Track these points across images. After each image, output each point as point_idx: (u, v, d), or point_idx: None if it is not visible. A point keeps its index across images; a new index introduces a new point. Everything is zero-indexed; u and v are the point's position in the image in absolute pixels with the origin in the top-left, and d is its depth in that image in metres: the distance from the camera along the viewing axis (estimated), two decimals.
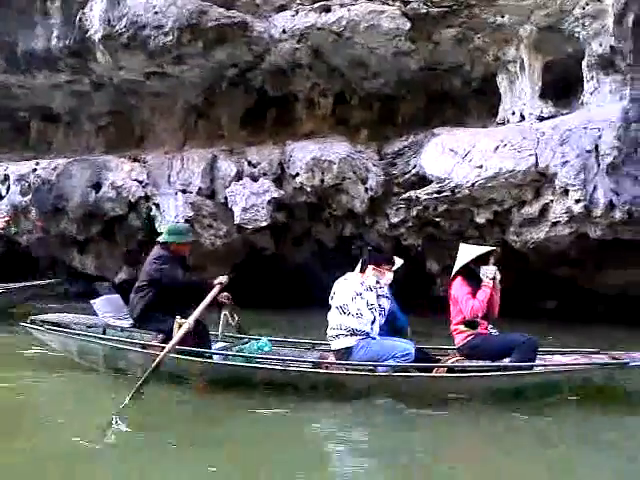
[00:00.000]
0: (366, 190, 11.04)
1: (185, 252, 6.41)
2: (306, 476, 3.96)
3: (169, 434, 4.63)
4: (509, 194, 10.13)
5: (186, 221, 11.21)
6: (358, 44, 10.59)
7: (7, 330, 8.27)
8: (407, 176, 10.94)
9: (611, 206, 9.35)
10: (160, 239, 6.37)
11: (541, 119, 10.29)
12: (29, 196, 11.70)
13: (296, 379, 5.52)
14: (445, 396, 5.38)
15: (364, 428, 4.97)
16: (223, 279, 5.96)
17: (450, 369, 5.72)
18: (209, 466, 3.99)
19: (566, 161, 9.47)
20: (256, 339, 6.35)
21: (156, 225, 11.34)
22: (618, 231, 9.71)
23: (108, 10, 10.65)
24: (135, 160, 11.96)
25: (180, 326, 5.58)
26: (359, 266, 5.97)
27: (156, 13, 10.46)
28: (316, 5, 10.41)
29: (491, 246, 6.56)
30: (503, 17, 10.14)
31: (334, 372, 5.62)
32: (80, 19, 10.93)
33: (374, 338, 5.63)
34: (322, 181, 11.03)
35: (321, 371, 5.64)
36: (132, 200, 11.42)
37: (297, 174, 11.11)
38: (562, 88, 10.53)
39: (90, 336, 6.28)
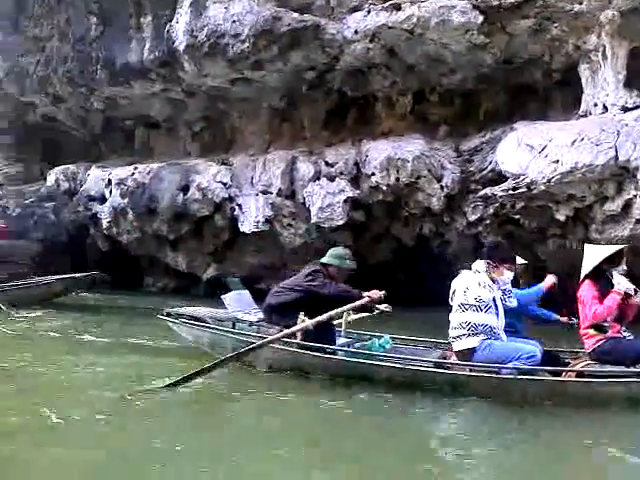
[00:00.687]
0: (442, 188, 10.93)
1: (342, 279, 6.15)
2: None
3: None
4: (589, 189, 9.65)
5: (266, 220, 11.67)
6: (431, 40, 10.52)
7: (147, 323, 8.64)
8: (484, 173, 10.71)
9: None
10: (323, 260, 6.21)
11: (625, 110, 9.74)
12: (127, 198, 12.63)
13: (417, 378, 5.44)
14: (574, 401, 5.04)
15: (489, 436, 4.64)
16: (375, 295, 5.83)
17: (580, 374, 5.36)
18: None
19: None
20: (378, 336, 6.33)
21: (239, 225, 11.85)
22: None
23: (191, 21, 11.30)
24: (223, 163, 12.55)
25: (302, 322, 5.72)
26: (476, 263, 5.67)
27: (234, 22, 10.96)
28: (387, 4, 10.44)
29: (619, 244, 6.20)
30: (581, 4, 9.68)
31: (456, 372, 5.45)
32: (168, 31, 11.65)
33: (498, 339, 5.43)
34: (397, 180, 11.04)
35: (443, 370, 5.49)
36: (217, 201, 12.01)
37: (373, 173, 11.19)
38: None
39: (221, 329, 6.50)
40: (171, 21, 11.67)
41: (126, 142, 15.34)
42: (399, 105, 12.03)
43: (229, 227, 12.21)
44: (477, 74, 11.14)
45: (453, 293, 5.58)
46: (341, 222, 11.25)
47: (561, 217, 10.14)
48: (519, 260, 6.07)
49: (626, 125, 9.33)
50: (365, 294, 5.79)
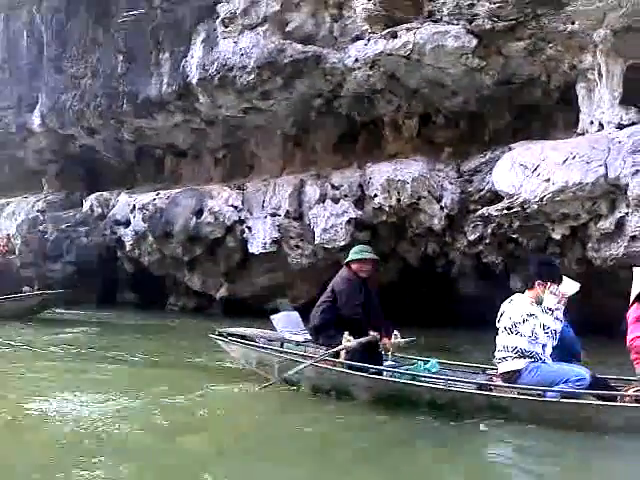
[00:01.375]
0: (441, 208, 11.11)
1: (365, 272, 6.40)
2: None
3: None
4: (582, 208, 9.65)
5: (274, 242, 12.09)
6: (428, 65, 10.79)
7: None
8: (482, 193, 10.84)
9: None
10: (346, 260, 6.55)
11: (621, 127, 9.71)
12: (147, 223, 13.32)
13: (459, 400, 5.38)
14: (627, 428, 4.81)
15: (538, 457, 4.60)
16: (385, 341, 6.16)
17: (632, 399, 5.11)
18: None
19: (637, 170, 8.89)
20: (425, 360, 6.36)
21: (249, 246, 12.32)
22: None
23: (203, 56, 12.01)
24: (239, 188, 13.09)
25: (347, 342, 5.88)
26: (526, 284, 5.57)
27: (242, 55, 11.57)
28: (385, 32, 10.79)
29: None
30: (574, 24, 9.77)
31: (498, 395, 5.36)
32: (183, 66, 12.37)
33: (545, 362, 5.30)
34: (399, 201, 11.29)
35: (484, 393, 5.42)
36: (228, 224, 12.54)
37: (375, 195, 11.48)
38: None
39: (267, 348, 6.68)
40: (186, 56, 12.39)
41: (157, 169, 16.13)
42: (406, 128, 12.28)
43: (240, 249, 12.70)
44: (479, 96, 11.31)
45: (501, 315, 5.49)
46: (344, 243, 11.53)
47: (557, 236, 10.14)
48: (571, 286, 5.52)
49: (618, 142, 9.30)
50: (371, 333, 6.04)
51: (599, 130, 9.99)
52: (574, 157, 9.51)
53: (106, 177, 17.07)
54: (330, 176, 12.12)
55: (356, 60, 11.10)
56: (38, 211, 16.54)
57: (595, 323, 9.86)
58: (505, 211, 10.23)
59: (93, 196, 15.74)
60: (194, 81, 12.19)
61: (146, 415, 5.29)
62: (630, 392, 5.16)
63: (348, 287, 6.28)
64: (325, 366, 5.91)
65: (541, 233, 10.31)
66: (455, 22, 10.34)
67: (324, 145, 12.95)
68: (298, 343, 6.72)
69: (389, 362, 6.37)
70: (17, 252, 16.13)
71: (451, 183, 11.09)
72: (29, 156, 17.64)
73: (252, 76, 11.46)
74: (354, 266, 6.37)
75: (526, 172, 10.00)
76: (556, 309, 5.29)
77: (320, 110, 12.36)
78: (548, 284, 5.32)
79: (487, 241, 10.92)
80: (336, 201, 11.73)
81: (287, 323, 7.14)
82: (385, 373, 5.95)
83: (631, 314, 5.38)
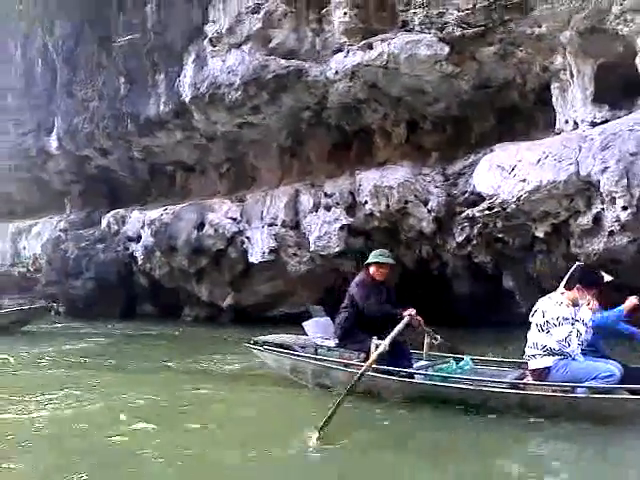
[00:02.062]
0: (429, 211, 11.37)
1: (382, 275, 6.61)
2: None
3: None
4: (560, 205, 9.82)
5: (272, 251, 12.56)
6: (405, 74, 11.07)
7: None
8: (466, 195, 11.06)
9: None
10: (366, 262, 6.80)
11: (594, 125, 9.83)
12: (154, 237, 13.95)
13: (490, 399, 5.43)
14: None
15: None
16: (412, 311, 6.17)
17: None
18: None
19: (606, 167, 9.02)
20: (459, 358, 6.43)
21: (249, 256, 12.82)
22: None
23: (194, 75, 12.56)
24: (240, 200, 13.60)
25: (377, 347, 5.93)
26: (563, 282, 5.68)
27: (229, 73, 12.07)
28: (361, 44, 11.12)
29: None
30: (541, 27, 9.94)
31: (527, 392, 5.41)
32: (177, 86, 12.92)
33: (574, 359, 5.34)
34: (387, 206, 11.61)
35: (514, 391, 5.46)
36: (228, 235, 13.06)
37: (366, 201, 11.82)
38: (626, 90, 9.95)
39: (300, 355, 6.84)
40: (179, 76, 12.95)
41: (170, 185, 16.76)
42: (395, 135, 12.58)
43: (242, 259, 13.21)
44: (460, 101, 11.54)
45: (535, 311, 5.57)
46: (337, 249, 11.93)
47: (540, 234, 10.32)
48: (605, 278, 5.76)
49: (589, 140, 9.44)
50: (405, 313, 6.10)
51: (574, 129, 10.13)
52: (547, 157, 9.69)
53: (124, 195, 17.77)
54: (323, 185, 12.51)
55: (336, 72, 11.46)
56: (61, 230, 17.37)
57: None
58: (487, 212, 10.47)
59: (110, 214, 16.44)
60: (187, 100, 12.75)
61: None
62: None
63: (363, 290, 6.50)
64: (355, 371, 5.93)
65: (525, 231, 10.49)
66: (427, 31, 10.61)
67: (318, 155, 13.34)
68: (330, 348, 6.86)
69: (423, 362, 6.52)
70: (42, 271, 17.10)
71: (437, 187, 11.35)
72: (53, 178, 18.51)
73: (239, 92, 11.95)
74: (372, 269, 6.63)
75: (504, 173, 10.23)
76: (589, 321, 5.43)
77: (310, 122, 12.76)
78: (589, 290, 5.49)
79: (475, 242, 11.14)
80: (328, 209, 12.12)
81: (319, 329, 7.27)
82: (418, 376, 6.03)
83: None
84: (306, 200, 12.47)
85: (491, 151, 10.81)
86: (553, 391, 5.27)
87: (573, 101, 10.17)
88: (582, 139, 9.56)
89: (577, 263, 6.33)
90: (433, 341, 6.50)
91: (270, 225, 12.65)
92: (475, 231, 11.00)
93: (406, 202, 11.48)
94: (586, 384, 5.14)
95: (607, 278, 5.68)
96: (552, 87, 10.45)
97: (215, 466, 4.48)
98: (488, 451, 4.65)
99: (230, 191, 14.86)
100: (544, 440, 4.84)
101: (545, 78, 10.53)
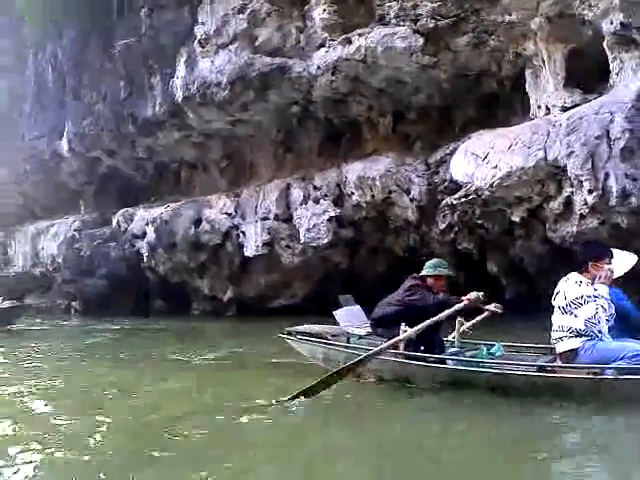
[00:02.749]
0: (411, 200, 11.63)
1: (441, 287, 6.30)
2: None
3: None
4: (532, 191, 10.00)
5: (265, 244, 12.97)
6: (384, 66, 11.33)
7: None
8: (446, 183, 11.28)
9: (626, 194, 8.82)
10: (421, 273, 6.43)
11: (565, 109, 9.97)
12: (156, 234, 14.48)
13: (518, 383, 5.37)
14: None
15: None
16: (472, 296, 5.91)
17: None
18: None
19: (572, 151, 9.19)
20: (490, 344, 6.37)
21: (244, 250, 13.26)
22: None
23: (186, 76, 13.01)
24: (237, 195, 14.04)
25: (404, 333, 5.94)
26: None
27: (217, 72, 12.49)
28: (340, 39, 11.41)
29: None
30: (511, 15, 10.13)
31: (555, 375, 5.35)
32: (171, 87, 13.40)
33: (602, 339, 5.24)
34: (373, 196, 11.91)
35: (541, 374, 5.41)
36: (223, 230, 13.51)
37: (352, 193, 12.14)
38: (599, 74, 10.06)
39: (332, 344, 6.85)
40: (173, 78, 13.42)
41: (176, 182, 17.30)
42: (381, 126, 12.87)
43: (238, 253, 13.63)
44: (441, 90, 11.76)
45: (557, 294, 5.45)
46: (327, 240, 12.27)
47: (516, 219, 10.51)
48: (629, 258, 5.52)
49: (557, 125, 9.60)
50: (463, 298, 5.88)
51: (547, 114, 10.28)
52: (517, 143, 9.88)
53: (134, 193, 18.35)
54: (313, 178, 12.85)
55: (318, 67, 11.79)
56: (75, 230, 18.02)
57: None
58: (463, 199, 10.70)
59: (120, 212, 17.03)
60: (180, 100, 13.21)
61: None
62: None
63: (419, 293, 6.17)
64: (386, 357, 5.99)
65: (502, 217, 10.70)
66: (402, 23, 10.86)
67: (310, 148, 13.69)
68: (360, 337, 6.86)
69: (455, 348, 6.45)
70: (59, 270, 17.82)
71: (418, 176, 11.60)
72: (67, 179, 19.21)
73: (227, 91, 12.37)
74: (429, 281, 6.27)
75: (478, 160, 10.44)
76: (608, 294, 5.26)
77: (299, 116, 13.11)
78: (601, 263, 5.31)
79: (456, 228, 11.38)
80: (317, 201, 12.46)
81: (349, 317, 7.25)
82: (449, 362, 5.98)
83: None
84: (297, 193, 12.83)
85: (468, 139, 11.03)
86: (579, 373, 5.17)
87: (545, 86, 10.33)
88: (551, 124, 9.73)
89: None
90: (464, 328, 6.42)
91: (263, 219, 13.05)
92: (456, 218, 11.22)
93: (390, 192, 11.77)
94: (614, 365, 5.03)
95: (629, 263, 5.45)
96: (526, 73, 10.62)
97: None
98: (515, 438, 4.52)
99: (230, 187, 15.29)
100: (575, 425, 4.75)
101: (519, 65, 10.71)
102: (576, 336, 5.22)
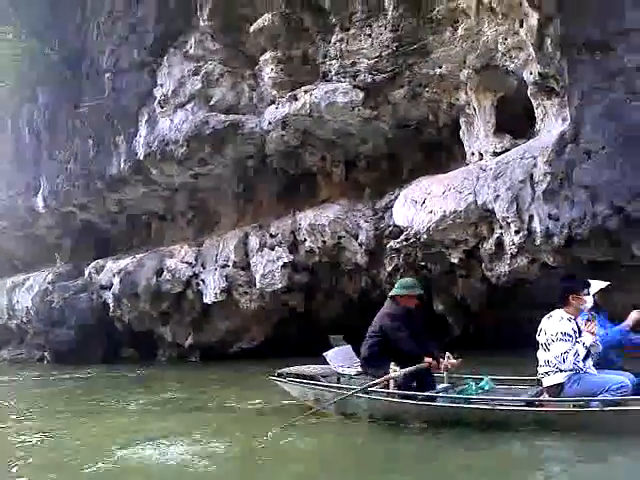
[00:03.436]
0: (360, 245, 12.14)
1: (413, 303, 6.77)
2: None
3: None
4: (467, 233, 10.51)
5: (223, 291, 13.41)
6: (329, 120, 11.99)
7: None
8: (390, 228, 11.82)
9: (549, 233, 9.31)
10: (391, 293, 6.90)
11: (496, 155, 10.57)
12: (121, 285, 14.94)
13: (506, 418, 5.56)
14: None
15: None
16: (433, 361, 6.41)
17: None
18: None
19: (497, 195, 9.74)
20: (478, 379, 6.56)
21: (204, 297, 13.70)
22: (575, 255, 9.53)
23: (147, 135, 13.66)
24: (199, 245, 14.55)
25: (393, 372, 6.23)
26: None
27: (175, 130, 13.15)
28: (287, 96, 12.11)
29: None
30: (441, 67, 10.84)
31: (542, 409, 5.53)
32: (133, 145, 14.06)
33: (586, 372, 5.46)
34: (324, 242, 12.42)
35: (528, 408, 5.60)
36: (183, 279, 13.98)
37: (305, 239, 12.66)
38: (528, 120, 10.69)
39: (323, 385, 7.02)
40: (136, 136, 14.09)
41: (147, 234, 17.81)
42: (335, 175, 13.46)
43: (199, 300, 14.06)
44: (386, 139, 12.40)
45: (540, 330, 5.72)
46: (280, 285, 12.72)
47: (455, 260, 11.00)
48: (597, 285, 5.96)
49: (486, 170, 10.17)
50: (426, 359, 6.36)
51: (480, 159, 10.89)
52: (450, 189, 10.45)
53: (109, 245, 18.88)
54: (270, 226, 13.38)
55: (269, 123, 12.45)
56: (49, 283, 18.42)
57: (508, 334, 10.71)
58: (405, 242, 11.21)
59: (92, 264, 17.49)
60: (142, 157, 13.84)
61: None
62: None
63: (394, 321, 6.58)
64: (375, 397, 6.29)
65: (442, 258, 11.19)
66: (342, 80, 11.57)
67: (268, 198, 14.26)
68: (351, 376, 7.11)
69: (445, 384, 6.65)
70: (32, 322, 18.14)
71: (366, 221, 12.14)
72: (43, 233, 19.73)
73: (184, 148, 13.01)
74: (401, 300, 6.76)
75: (417, 206, 11.00)
76: (592, 344, 5.52)
77: (256, 168, 13.72)
78: (580, 294, 5.62)
79: (402, 270, 11.84)
80: (272, 248, 12.96)
81: (340, 358, 7.45)
82: (438, 399, 6.19)
83: None
84: (254, 241, 13.33)
85: (409, 185, 11.61)
86: (568, 406, 5.38)
87: (478, 134, 10.96)
88: (481, 169, 10.31)
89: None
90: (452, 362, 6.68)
91: (223, 267, 13.51)
92: (401, 261, 11.72)
93: (339, 237, 12.29)
94: (600, 397, 5.22)
95: (601, 284, 5.89)
96: (460, 122, 11.26)
97: None
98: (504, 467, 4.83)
99: (196, 236, 15.80)
100: (560, 456, 4.98)
101: (454, 114, 11.35)
102: (561, 370, 5.48)
